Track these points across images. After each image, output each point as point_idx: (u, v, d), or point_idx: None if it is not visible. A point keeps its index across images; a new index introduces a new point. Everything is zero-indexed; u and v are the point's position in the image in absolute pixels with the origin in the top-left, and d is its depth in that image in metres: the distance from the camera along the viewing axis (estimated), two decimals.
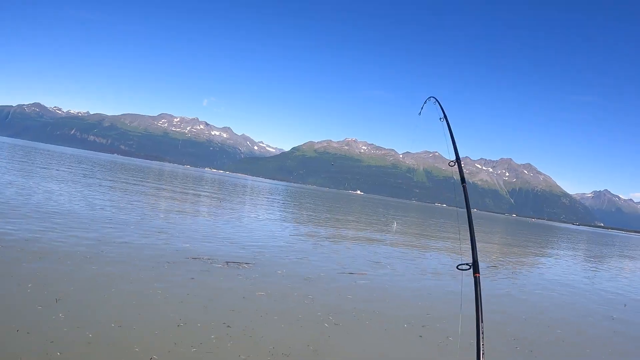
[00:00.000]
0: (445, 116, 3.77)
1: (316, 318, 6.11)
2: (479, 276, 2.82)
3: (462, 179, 3.26)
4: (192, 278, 7.04)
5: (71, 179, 23.54)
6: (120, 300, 5.47)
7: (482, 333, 2.61)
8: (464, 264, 2.92)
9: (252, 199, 32.02)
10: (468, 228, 3.06)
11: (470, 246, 2.97)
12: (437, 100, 4.00)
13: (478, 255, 2.92)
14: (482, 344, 2.58)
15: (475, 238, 2.99)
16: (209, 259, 8.51)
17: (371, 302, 7.41)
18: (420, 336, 6.01)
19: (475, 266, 2.87)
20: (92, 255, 7.36)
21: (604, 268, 19.86)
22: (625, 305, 10.48)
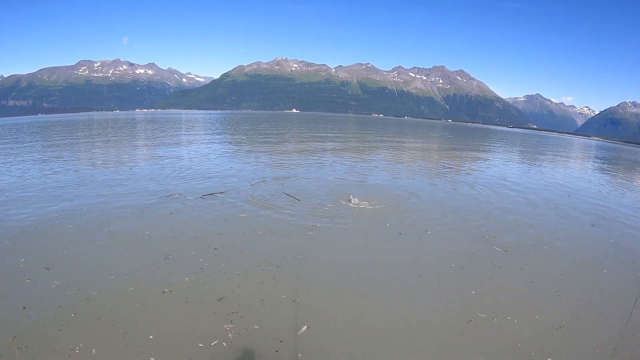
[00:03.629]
0: None
1: (299, 229, 6.63)
2: None
3: None
4: (171, 214, 7.23)
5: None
6: (109, 251, 5.48)
7: None
8: None
9: (192, 133, 30.69)
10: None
11: None
12: None
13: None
14: None
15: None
16: (181, 195, 8.61)
17: (350, 209, 8.09)
18: (400, 233, 6.78)
19: None
20: (68, 215, 7.07)
21: (547, 165, 21.25)
22: (569, 195, 11.84)
